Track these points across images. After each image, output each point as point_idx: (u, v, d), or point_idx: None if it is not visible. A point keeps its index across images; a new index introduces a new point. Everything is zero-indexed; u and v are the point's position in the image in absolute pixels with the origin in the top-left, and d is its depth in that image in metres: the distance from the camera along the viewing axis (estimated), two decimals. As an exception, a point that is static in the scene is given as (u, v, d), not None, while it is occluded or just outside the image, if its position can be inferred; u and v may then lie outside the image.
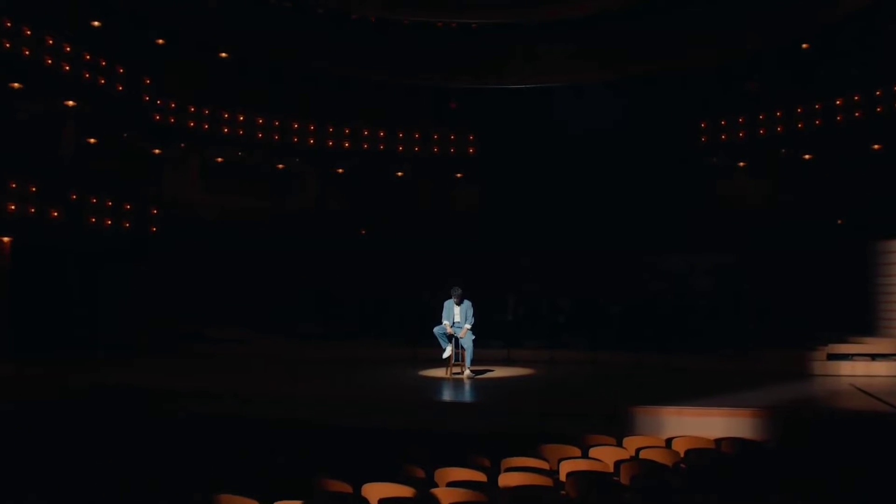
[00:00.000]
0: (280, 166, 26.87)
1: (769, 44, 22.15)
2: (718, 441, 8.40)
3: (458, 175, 28.30)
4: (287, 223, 25.98)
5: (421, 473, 6.73)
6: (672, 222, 23.35)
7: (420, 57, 25.06)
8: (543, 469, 7.03)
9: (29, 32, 18.75)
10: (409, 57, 24.99)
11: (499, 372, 15.23)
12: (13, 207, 17.44)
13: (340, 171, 27.65)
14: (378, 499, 5.90)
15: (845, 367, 15.04)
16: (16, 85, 18.18)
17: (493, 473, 6.74)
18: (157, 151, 24.16)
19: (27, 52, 18.50)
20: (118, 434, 8.66)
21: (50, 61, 18.77)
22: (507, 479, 6.47)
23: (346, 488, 6.00)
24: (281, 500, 5.60)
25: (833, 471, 6.90)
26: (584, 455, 7.70)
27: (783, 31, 21.66)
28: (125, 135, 22.55)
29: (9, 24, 18.37)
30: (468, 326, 13.71)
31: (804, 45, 21.91)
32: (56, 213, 18.06)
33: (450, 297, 13.96)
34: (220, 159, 25.92)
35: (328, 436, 8.74)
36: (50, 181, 18.48)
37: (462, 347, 13.81)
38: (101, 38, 20.85)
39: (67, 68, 19.51)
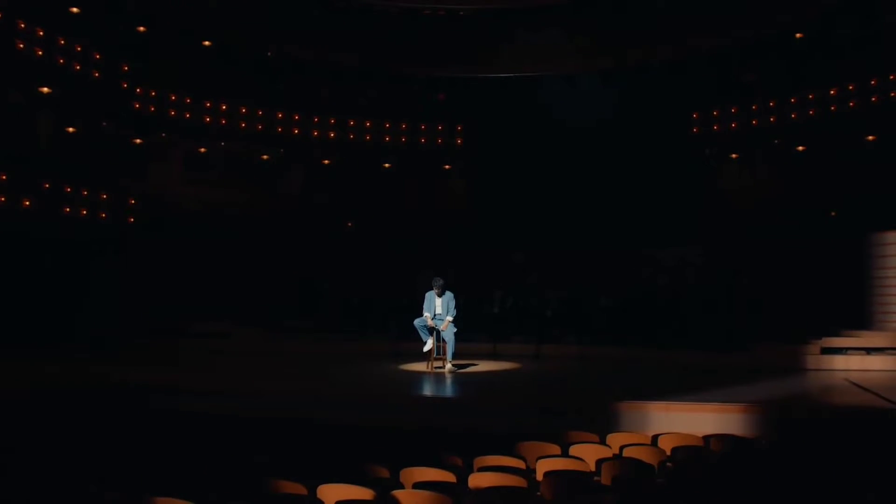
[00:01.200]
0: (264, 157, 26.36)
1: (763, 32, 21.69)
2: (707, 438, 7.93)
3: (446, 167, 27.84)
4: (272, 215, 25.44)
5: (385, 473, 6.24)
6: (664, 215, 22.90)
7: (408, 45, 24.48)
8: (519, 469, 6.55)
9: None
10: (396, 45, 24.42)
11: (483, 366, 14.76)
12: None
13: (326, 161, 27.13)
14: (335, 501, 5.42)
15: (839, 362, 14.57)
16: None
17: (465, 473, 6.25)
18: (137, 141, 23.63)
19: (41, 53, 18.04)
20: (60, 431, 8.17)
21: (22, 46, 18.23)
22: (477, 480, 5.98)
23: (301, 490, 5.51)
24: (227, 502, 5.12)
25: (828, 470, 6.44)
26: (565, 453, 7.23)
27: (778, 19, 21.20)
28: (104, 123, 22.02)
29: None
30: (450, 319, 13.20)
31: (798, 35, 21.48)
32: (28, 203, 17.50)
33: (431, 289, 13.45)
34: (203, 149, 25.39)
35: (292, 433, 8.25)
36: (24, 170, 17.97)
37: (444, 340, 13.30)
38: (79, 24, 20.27)
39: (40, 53, 18.96)
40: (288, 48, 24.30)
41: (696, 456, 7.58)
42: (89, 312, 18.76)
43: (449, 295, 13.39)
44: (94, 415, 9.92)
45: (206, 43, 23.56)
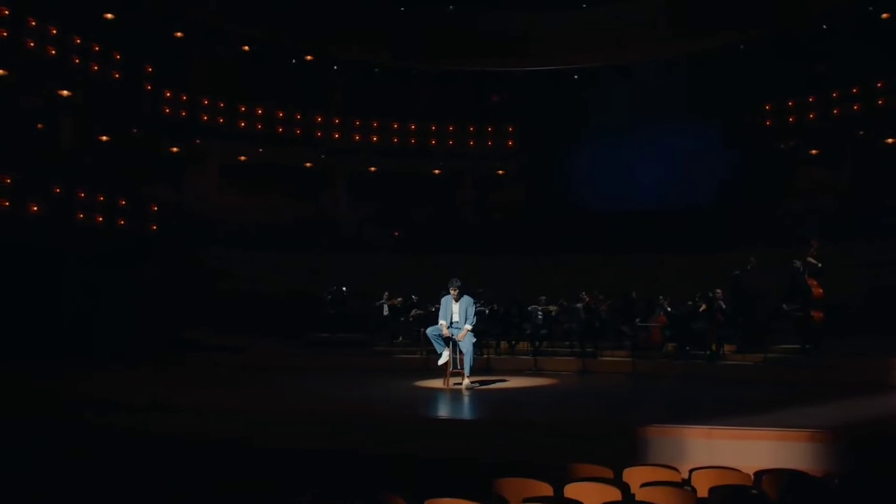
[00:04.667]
0: (308, 164, 25.22)
1: (841, 13, 19.32)
2: (760, 475, 5.96)
3: (500, 172, 26.16)
4: (311, 224, 24.27)
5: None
6: (737, 215, 20.73)
7: (452, 41, 22.90)
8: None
9: (34, 23, 17.49)
10: (440, 41, 22.87)
11: (514, 382, 12.95)
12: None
13: (373, 169, 25.79)
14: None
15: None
16: (2, 71, 16.85)
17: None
18: (174, 150, 22.82)
19: (32, 44, 17.23)
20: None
21: (54, 52, 17.49)
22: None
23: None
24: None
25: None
26: (558, 496, 5.43)
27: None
28: (134, 130, 21.19)
29: (6, 12, 17.16)
30: (468, 327, 11.42)
31: (884, 15, 19.02)
32: (36, 209, 16.55)
33: (448, 294, 11.73)
34: (243, 157, 24.40)
35: (274, 461, 6.70)
36: (41, 177, 17.12)
37: (461, 352, 11.54)
38: (109, 29, 19.49)
39: (77, 61, 18.23)
40: (329, 48, 23.07)
41: (742, 499, 5.66)
42: (106, 326, 17.69)
43: (467, 300, 11.62)
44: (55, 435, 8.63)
45: (245, 48, 22.56)
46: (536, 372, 14.82)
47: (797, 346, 13.82)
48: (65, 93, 18.30)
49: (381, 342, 17.43)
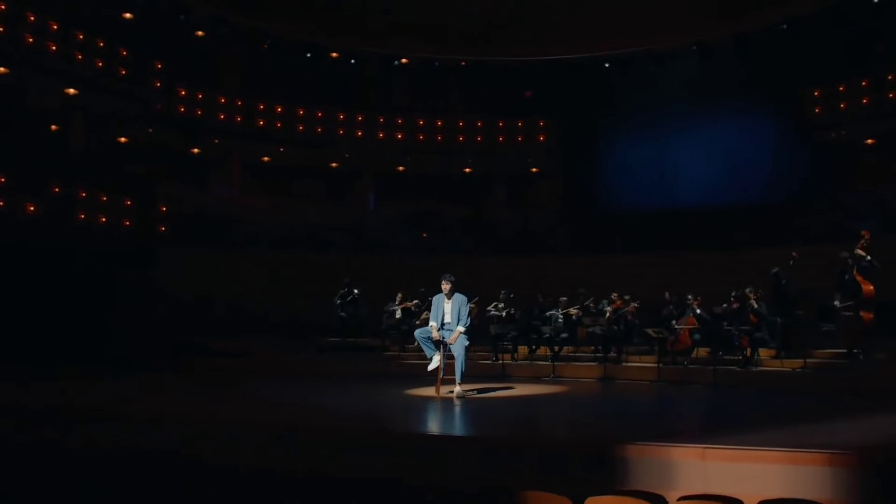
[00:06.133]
0: (334, 164, 24.40)
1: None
2: (765, 507, 4.71)
3: (533, 170, 24.93)
4: (337, 225, 23.43)
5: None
6: (787, 210, 19.20)
7: (478, 30, 21.77)
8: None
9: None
10: (464, 31, 21.78)
11: (522, 390, 11.74)
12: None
13: (401, 168, 24.85)
14: None
15: None
16: (2, 70, 16.40)
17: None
18: (195, 151, 22.27)
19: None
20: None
21: (81, 57, 17.13)
22: None
23: None
24: None
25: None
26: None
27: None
28: (150, 129, 20.65)
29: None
30: (461, 329, 10.25)
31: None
32: (33, 208, 15.99)
33: (441, 291, 10.58)
34: (266, 158, 23.74)
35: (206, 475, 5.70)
36: (50, 176, 16.60)
37: (452, 356, 10.38)
38: (119, 26, 18.99)
39: (80, 57, 17.70)
40: (346, 42, 22.22)
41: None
42: (114, 330, 17.01)
43: (460, 298, 10.46)
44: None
45: (265, 45, 21.87)
46: (554, 379, 13.57)
47: (843, 350, 12.32)
48: (71, 91, 17.80)
49: (392, 346, 16.39)
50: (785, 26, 18.93)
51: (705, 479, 5.67)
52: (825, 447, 5.74)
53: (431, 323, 10.50)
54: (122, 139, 20.75)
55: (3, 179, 15.20)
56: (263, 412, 9.25)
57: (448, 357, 10.40)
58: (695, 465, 5.79)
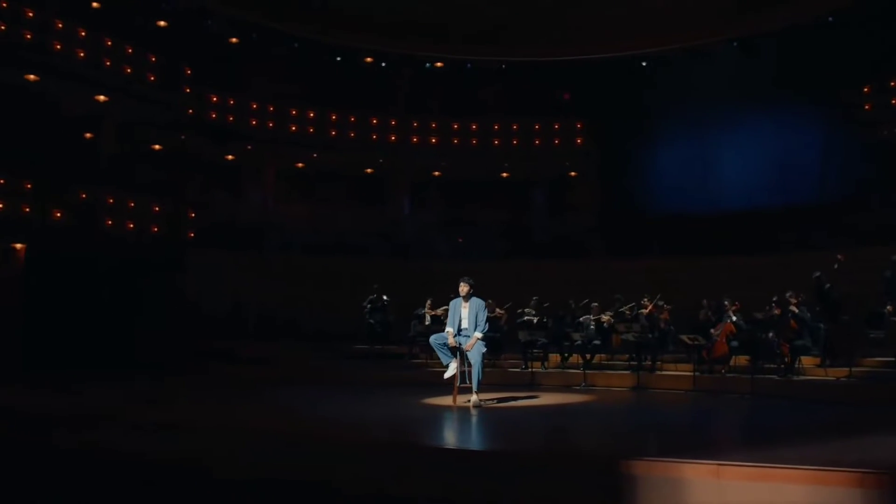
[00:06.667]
0: (368, 170, 24.17)
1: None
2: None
3: (572, 174, 24.35)
4: (370, 232, 23.14)
5: None
6: (835, 212, 18.36)
7: (510, 31, 21.28)
8: None
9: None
10: (496, 32, 21.31)
11: (547, 399, 11.21)
12: (27, 210, 15.70)
13: (437, 173, 24.50)
14: None
15: None
16: (32, 77, 16.49)
17: None
18: (229, 157, 22.26)
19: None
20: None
21: (109, 63, 17.22)
22: None
23: None
24: None
25: None
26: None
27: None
28: (182, 136, 20.65)
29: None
30: (478, 335, 9.78)
31: None
32: (59, 215, 16.02)
33: (458, 295, 10.11)
34: (300, 164, 23.63)
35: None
36: (87, 185, 16.68)
37: (469, 363, 9.91)
38: (152, 35, 19.05)
39: (108, 63, 17.73)
40: (378, 45, 21.93)
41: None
42: (143, 336, 16.95)
43: (478, 303, 9.98)
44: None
45: (295, 50, 21.73)
46: (585, 388, 13.00)
47: (893, 358, 11.54)
48: (101, 98, 17.84)
49: (421, 354, 15.97)
50: (830, 18, 18.02)
51: (720, 499, 5.13)
52: (857, 466, 5.15)
53: (448, 329, 10.04)
54: (155, 146, 20.80)
55: (29, 185, 15.19)
56: (263, 420, 8.93)
57: (466, 364, 9.94)
58: (708, 484, 5.24)
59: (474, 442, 7.83)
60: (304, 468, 6.74)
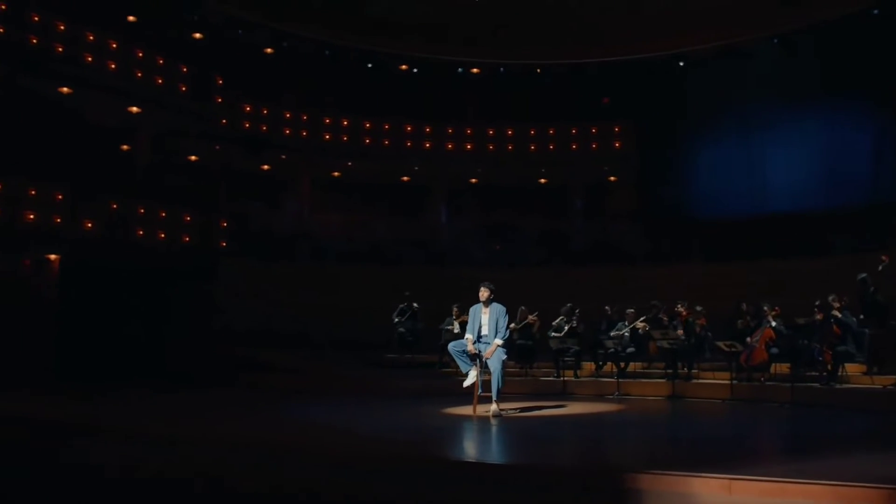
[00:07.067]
0: (404, 178, 24.01)
1: None
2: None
3: (612, 178, 23.82)
4: (407, 240, 22.93)
5: None
6: (882, 211, 17.65)
7: (543, 34, 20.90)
8: None
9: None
10: (530, 35, 20.97)
11: (575, 408, 10.82)
12: (59, 220, 15.87)
13: (473, 181, 24.22)
14: None
15: None
16: (65, 90, 16.70)
17: None
18: (265, 167, 22.31)
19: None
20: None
21: (141, 74, 17.42)
22: None
23: None
24: None
25: None
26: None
27: None
28: (217, 147, 20.74)
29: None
30: (498, 342, 9.46)
31: None
32: (91, 225, 16.14)
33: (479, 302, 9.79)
34: (336, 174, 23.60)
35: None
36: (119, 196, 16.82)
37: (488, 371, 9.57)
38: (183, 45, 19.19)
39: (140, 75, 17.90)
40: (411, 52, 21.76)
41: None
42: (173, 345, 16.98)
43: (499, 308, 9.66)
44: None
45: (327, 58, 21.69)
46: (618, 398, 12.55)
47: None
48: (134, 109, 17.99)
49: (451, 363, 15.63)
50: (876, 11, 17.27)
51: (732, 517, 4.72)
52: (883, 481, 4.69)
53: (467, 335, 9.74)
54: (191, 157, 20.93)
55: (60, 196, 15.33)
56: (276, 431, 8.71)
57: (486, 372, 9.61)
58: (720, 499, 4.83)
59: (483, 454, 7.49)
60: (307, 481, 6.50)
